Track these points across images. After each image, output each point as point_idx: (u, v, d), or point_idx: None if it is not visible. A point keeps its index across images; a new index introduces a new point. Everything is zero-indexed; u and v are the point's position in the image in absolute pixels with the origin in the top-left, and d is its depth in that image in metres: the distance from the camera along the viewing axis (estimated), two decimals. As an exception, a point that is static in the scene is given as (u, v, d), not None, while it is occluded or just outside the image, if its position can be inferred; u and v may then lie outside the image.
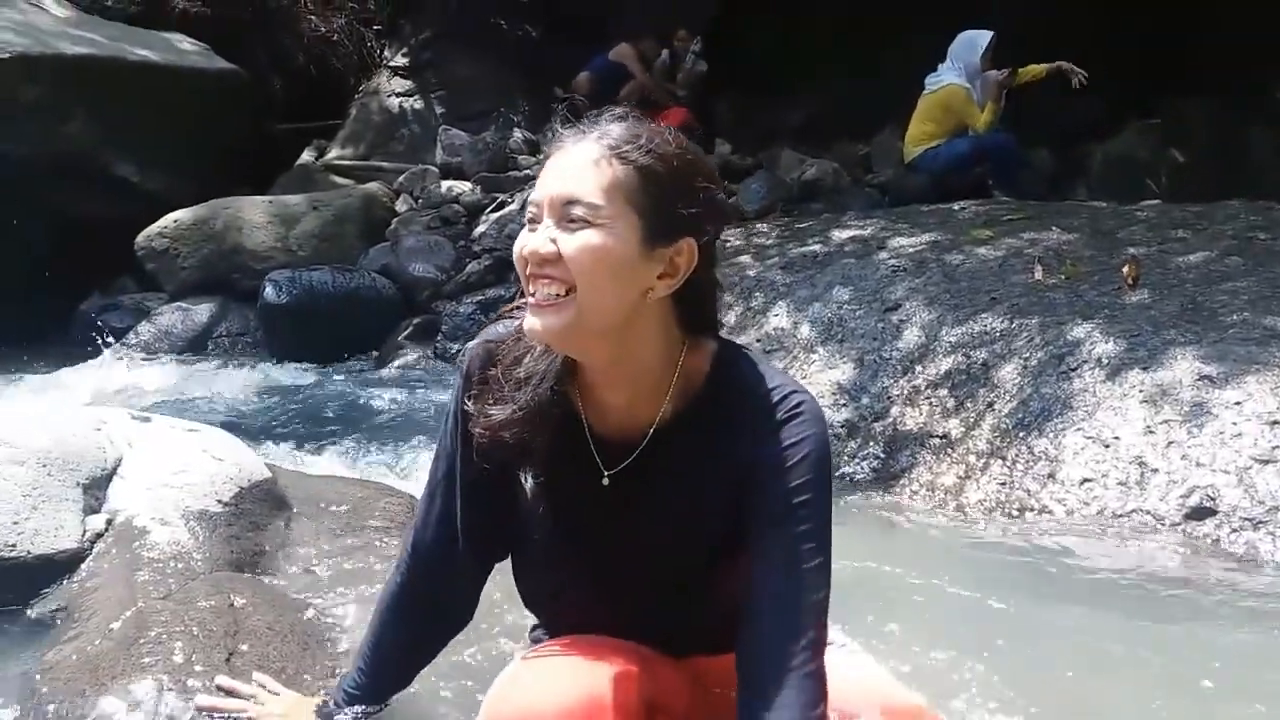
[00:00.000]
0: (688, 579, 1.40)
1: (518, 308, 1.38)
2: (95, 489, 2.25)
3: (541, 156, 1.39)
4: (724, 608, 1.34)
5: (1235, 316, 3.31)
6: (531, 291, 1.27)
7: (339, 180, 8.01)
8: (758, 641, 1.28)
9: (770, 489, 1.30)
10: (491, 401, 1.36)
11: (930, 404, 3.52)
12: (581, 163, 1.27)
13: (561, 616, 1.50)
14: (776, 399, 1.31)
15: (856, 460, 3.53)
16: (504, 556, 1.52)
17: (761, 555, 1.30)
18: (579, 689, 1.28)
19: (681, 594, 1.41)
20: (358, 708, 1.54)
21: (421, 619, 1.53)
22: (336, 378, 5.48)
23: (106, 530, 2.17)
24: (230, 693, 1.62)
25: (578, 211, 1.25)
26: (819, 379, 3.85)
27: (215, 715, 1.59)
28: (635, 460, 1.36)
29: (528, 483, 1.40)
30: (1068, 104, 6.85)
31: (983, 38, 6.29)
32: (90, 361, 5.69)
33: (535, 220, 1.29)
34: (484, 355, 1.41)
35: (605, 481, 1.37)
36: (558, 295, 1.25)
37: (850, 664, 1.46)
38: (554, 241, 1.25)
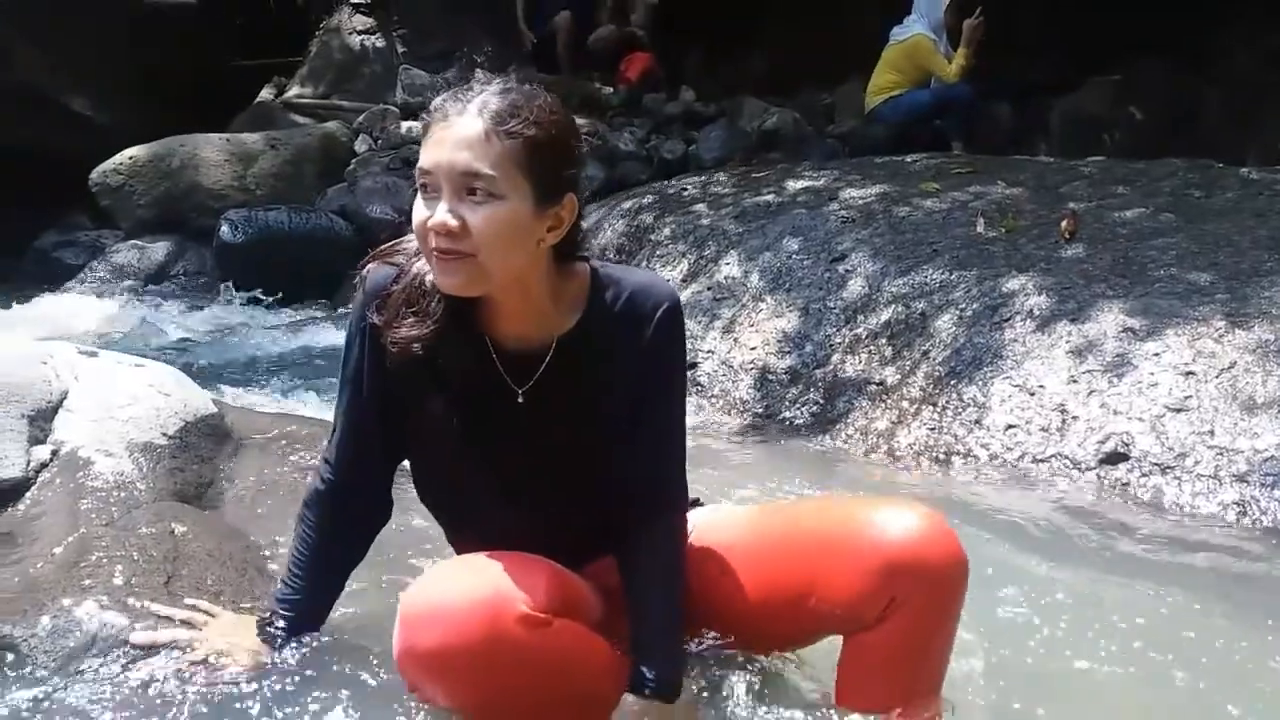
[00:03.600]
0: (594, 473, 1.55)
1: (396, 250, 1.52)
2: (41, 420, 2.29)
3: (421, 124, 1.46)
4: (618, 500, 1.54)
5: (1162, 271, 3.42)
6: (435, 253, 1.40)
7: (298, 119, 7.93)
8: (641, 484, 1.54)
9: (655, 370, 1.53)
10: (400, 314, 1.47)
11: (869, 352, 3.62)
12: (471, 137, 1.37)
13: (469, 520, 1.62)
14: (651, 296, 1.52)
15: (797, 405, 3.63)
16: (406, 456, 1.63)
17: (646, 421, 1.53)
18: (488, 584, 1.37)
19: (587, 488, 1.55)
20: (289, 616, 1.60)
21: (341, 516, 1.61)
22: (290, 318, 5.50)
23: (51, 461, 2.21)
24: (164, 617, 1.68)
25: (478, 185, 1.37)
26: (765, 327, 3.93)
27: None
28: (542, 374, 1.50)
29: (436, 398, 1.51)
30: (1029, 62, 6.90)
31: (947, -9, 6.33)
32: (44, 296, 5.68)
33: (430, 189, 1.40)
34: (386, 272, 1.52)
35: (520, 399, 1.50)
36: (462, 255, 1.38)
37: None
38: (458, 216, 1.37)
